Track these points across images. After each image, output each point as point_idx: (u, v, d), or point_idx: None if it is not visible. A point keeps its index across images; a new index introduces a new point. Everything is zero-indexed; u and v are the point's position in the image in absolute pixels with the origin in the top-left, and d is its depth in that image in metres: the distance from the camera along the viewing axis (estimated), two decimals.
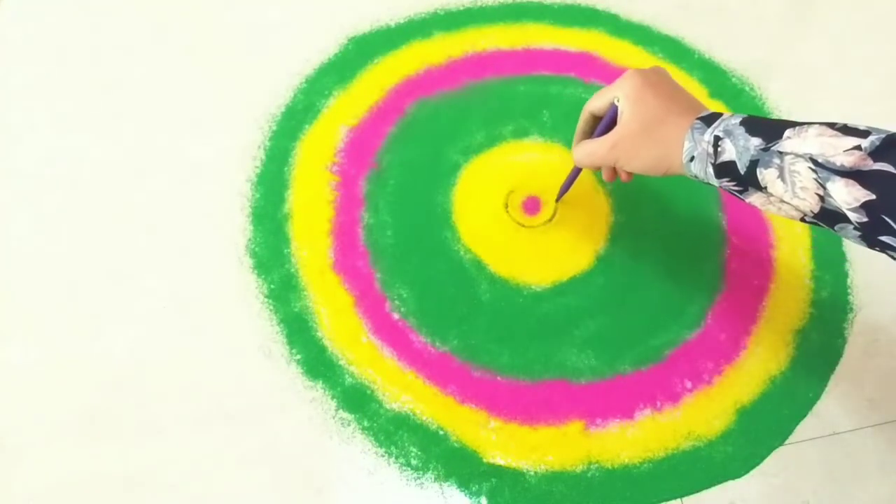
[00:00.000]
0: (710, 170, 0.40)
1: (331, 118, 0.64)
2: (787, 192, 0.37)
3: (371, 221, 0.60)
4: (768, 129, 0.38)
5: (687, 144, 0.41)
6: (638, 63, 0.69)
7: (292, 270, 0.57)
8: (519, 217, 0.60)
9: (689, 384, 0.55)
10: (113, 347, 0.54)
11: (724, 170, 0.40)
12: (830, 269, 0.60)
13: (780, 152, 0.37)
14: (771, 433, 0.54)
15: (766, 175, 0.38)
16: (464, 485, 0.51)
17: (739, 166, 0.39)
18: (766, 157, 0.38)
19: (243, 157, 0.62)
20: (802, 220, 0.39)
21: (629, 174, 0.48)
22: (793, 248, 0.61)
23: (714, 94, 0.68)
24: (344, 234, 0.59)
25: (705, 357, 0.56)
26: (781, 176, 0.37)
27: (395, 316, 0.56)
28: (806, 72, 0.70)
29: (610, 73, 0.68)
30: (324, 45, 0.68)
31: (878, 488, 0.53)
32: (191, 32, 0.68)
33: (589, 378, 0.55)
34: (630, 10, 0.72)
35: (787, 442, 0.53)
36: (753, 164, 0.38)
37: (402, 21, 0.70)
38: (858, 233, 0.36)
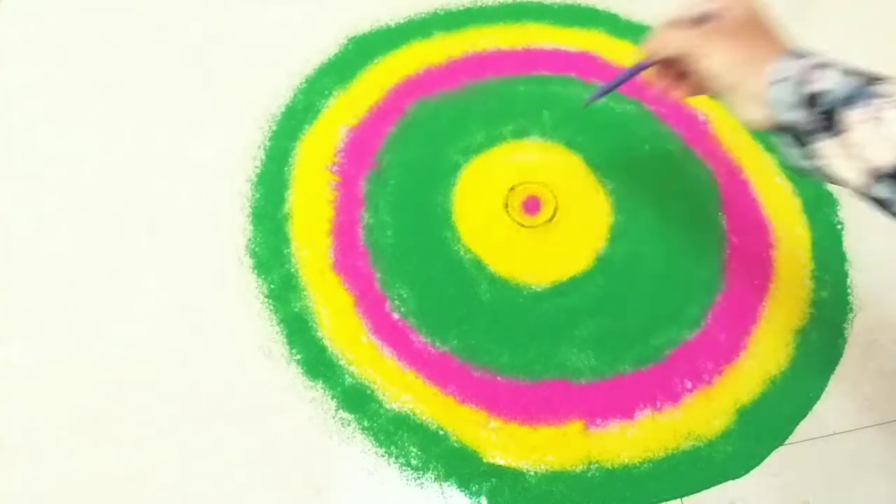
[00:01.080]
0: (795, 98, 0.38)
1: (331, 118, 0.64)
2: (870, 140, 0.35)
3: (371, 221, 0.60)
4: (863, 74, 0.37)
5: (782, 63, 0.39)
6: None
7: (292, 270, 0.57)
8: (519, 217, 0.60)
9: (689, 384, 0.55)
10: (113, 347, 0.54)
11: (811, 100, 0.37)
12: (830, 269, 0.60)
13: (878, 94, 0.35)
14: (771, 433, 0.54)
15: (853, 116, 0.36)
16: (464, 485, 0.51)
17: (834, 96, 0.36)
18: (866, 91, 0.36)
19: (243, 157, 0.62)
20: (865, 183, 0.36)
21: (700, 77, 0.44)
22: (793, 248, 0.61)
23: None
24: (344, 234, 0.59)
25: (705, 357, 0.56)
26: (869, 120, 0.35)
27: (395, 316, 0.56)
28: None
29: (610, 73, 0.68)
30: (324, 45, 0.68)
31: (878, 488, 0.53)
32: (191, 32, 0.68)
33: (589, 378, 0.55)
34: (630, 10, 0.72)
35: (787, 442, 0.53)
36: (846, 101, 0.36)
37: (402, 21, 0.70)
38: None
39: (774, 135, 0.40)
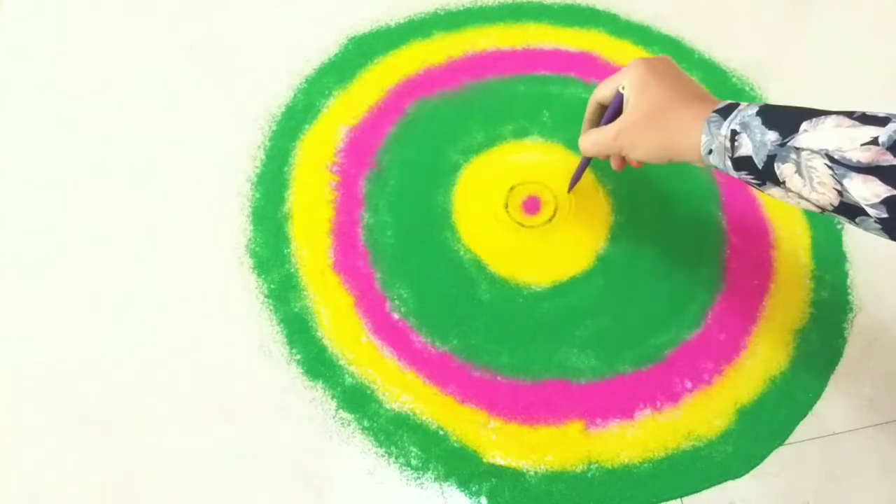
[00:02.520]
0: (729, 163, 0.40)
1: (331, 118, 0.64)
2: (806, 188, 0.37)
3: (371, 221, 0.60)
4: (785, 121, 0.38)
5: (704, 138, 0.41)
6: None
7: (292, 270, 0.57)
8: (519, 217, 0.60)
9: (689, 384, 0.55)
10: (113, 347, 0.54)
11: (742, 164, 0.39)
12: (830, 269, 0.60)
13: (797, 148, 0.37)
14: (771, 433, 0.54)
15: (784, 170, 0.37)
16: (464, 485, 0.51)
17: (756, 161, 0.38)
18: (782, 152, 0.37)
19: (243, 157, 0.62)
20: (822, 212, 0.38)
21: (638, 161, 0.48)
22: (793, 248, 0.61)
23: (714, 94, 0.67)
24: (344, 234, 0.59)
25: (705, 357, 0.56)
26: (799, 171, 0.37)
27: (395, 316, 0.56)
28: (806, 72, 0.70)
29: (610, 74, 0.67)
30: (324, 45, 0.68)
31: (878, 488, 0.53)
32: (191, 32, 0.68)
33: (589, 378, 0.55)
34: (630, 10, 0.72)
35: (787, 442, 0.53)
36: (770, 160, 0.38)
37: (402, 21, 0.70)
38: (879, 226, 0.35)
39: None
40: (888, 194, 0.34)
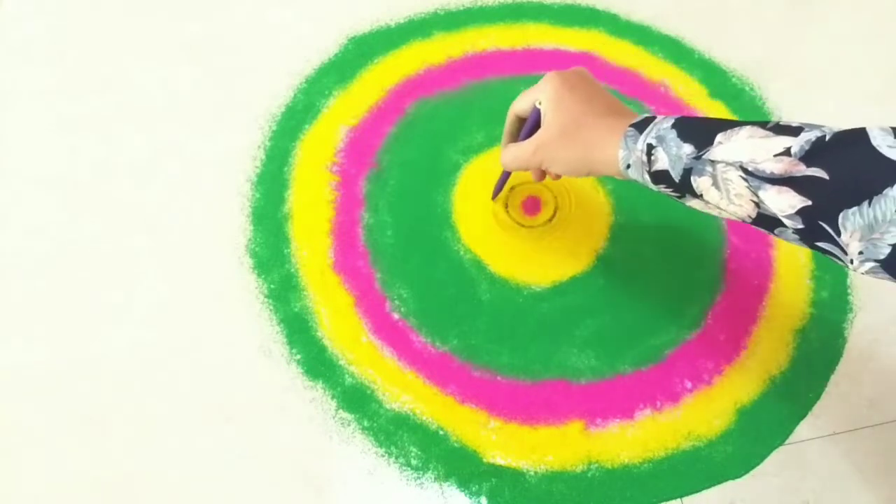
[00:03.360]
0: (647, 177, 0.40)
1: (331, 118, 0.64)
2: (723, 200, 0.37)
3: (371, 221, 0.60)
4: (700, 133, 0.38)
5: (622, 153, 0.41)
6: (639, 63, 0.69)
7: (292, 270, 0.57)
8: (519, 217, 0.60)
9: (689, 384, 0.55)
10: (113, 347, 0.54)
11: (660, 177, 0.39)
12: (830, 269, 0.60)
13: (712, 160, 0.36)
14: (771, 433, 0.54)
15: (701, 183, 0.37)
16: (464, 485, 0.51)
17: (673, 175, 0.38)
18: (698, 165, 0.37)
19: (243, 157, 0.62)
20: (744, 222, 0.38)
21: (557, 175, 0.49)
22: (793, 248, 0.61)
23: (714, 94, 0.68)
24: (344, 234, 0.59)
25: (705, 357, 0.56)
26: (715, 184, 0.37)
27: (395, 316, 0.56)
28: (806, 72, 0.70)
29: (610, 74, 0.68)
30: (324, 45, 0.68)
31: (877, 488, 0.53)
32: (191, 32, 0.68)
33: (589, 378, 0.55)
34: (630, 10, 0.72)
35: (787, 442, 0.53)
36: (687, 173, 0.38)
37: (402, 21, 0.70)
38: (797, 236, 0.35)
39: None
40: (802, 205, 0.33)
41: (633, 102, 0.66)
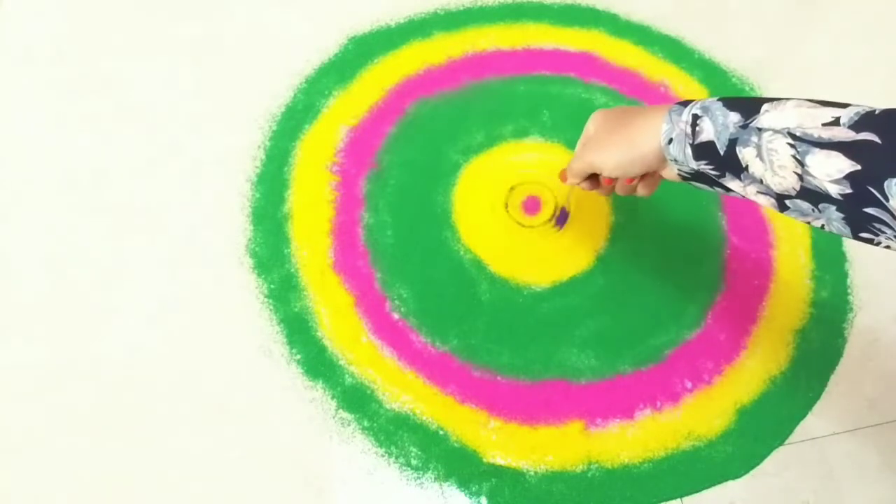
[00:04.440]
0: (689, 151, 0.40)
1: (331, 118, 0.64)
2: (767, 171, 0.37)
3: (371, 221, 0.60)
4: (746, 104, 0.38)
5: (664, 126, 0.41)
6: (639, 63, 0.69)
7: (292, 270, 0.57)
8: (519, 217, 0.60)
9: (689, 384, 0.55)
10: (113, 347, 0.54)
11: (703, 151, 0.39)
12: (830, 269, 0.60)
13: (759, 129, 0.36)
14: (771, 433, 0.54)
15: (746, 154, 0.37)
16: (464, 485, 0.51)
17: (719, 146, 0.38)
18: (744, 134, 0.37)
19: (243, 157, 0.62)
20: (782, 208, 0.38)
21: (622, 184, 0.48)
22: (793, 248, 0.61)
23: (714, 94, 0.68)
24: (344, 234, 0.59)
25: (705, 357, 0.56)
26: (760, 155, 0.37)
27: (395, 316, 0.56)
28: (806, 72, 0.70)
29: (610, 74, 0.68)
30: (324, 45, 0.68)
31: (877, 488, 0.53)
32: (191, 32, 0.68)
33: (589, 378, 0.55)
34: (630, 10, 0.72)
35: (787, 442, 0.53)
36: (733, 143, 0.38)
37: (402, 21, 0.70)
38: (842, 214, 0.35)
39: (690, 183, 0.43)
40: (852, 169, 0.33)
41: (633, 102, 0.66)
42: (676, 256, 0.60)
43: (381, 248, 0.59)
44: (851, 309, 0.59)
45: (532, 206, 0.61)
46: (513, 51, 0.69)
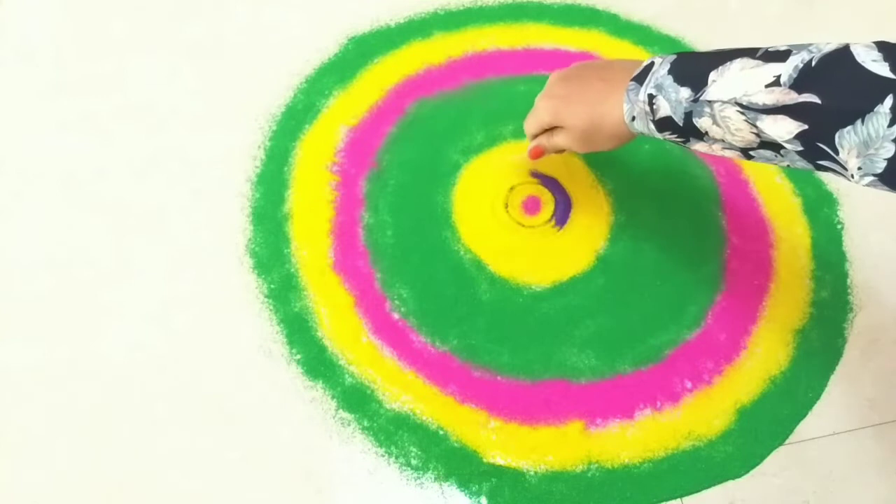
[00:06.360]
0: (652, 126, 0.43)
1: (331, 118, 0.64)
2: (727, 134, 0.39)
3: (371, 221, 0.60)
4: (695, 75, 0.40)
5: (626, 106, 0.44)
6: None
7: (292, 270, 0.57)
8: (519, 217, 0.60)
9: (689, 384, 0.55)
10: (113, 347, 0.54)
11: (665, 124, 0.42)
12: (830, 269, 0.60)
13: (709, 101, 0.39)
14: (771, 433, 0.54)
15: (702, 123, 0.40)
16: (464, 485, 0.51)
17: (676, 119, 0.41)
18: (696, 107, 0.39)
19: (243, 157, 0.62)
20: (748, 157, 0.40)
21: (569, 139, 0.50)
22: (793, 248, 0.61)
23: None
24: (344, 234, 0.59)
25: (705, 357, 0.56)
26: (716, 122, 0.39)
27: (395, 316, 0.56)
28: None
29: None
30: (324, 45, 0.68)
31: (878, 488, 0.53)
32: (191, 32, 0.68)
33: (589, 378, 0.55)
34: (630, 10, 0.72)
35: (787, 442, 0.54)
36: (689, 116, 0.40)
37: (402, 21, 0.70)
38: (802, 158, 0.37)
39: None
40: (799, 129, 0.35)
41: None
42: (676, 256, 0.60)
43: (381, 248, 0.59)
44: (851, 309, 0.59)
45: (532, 206, 0.61)
46: (513, 51, 0.69)
